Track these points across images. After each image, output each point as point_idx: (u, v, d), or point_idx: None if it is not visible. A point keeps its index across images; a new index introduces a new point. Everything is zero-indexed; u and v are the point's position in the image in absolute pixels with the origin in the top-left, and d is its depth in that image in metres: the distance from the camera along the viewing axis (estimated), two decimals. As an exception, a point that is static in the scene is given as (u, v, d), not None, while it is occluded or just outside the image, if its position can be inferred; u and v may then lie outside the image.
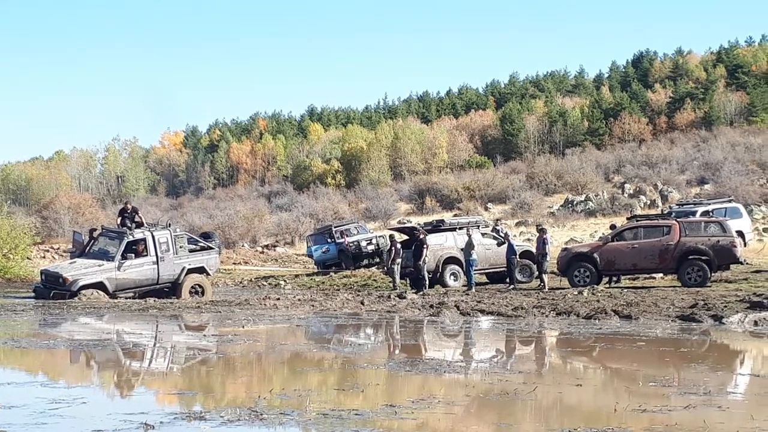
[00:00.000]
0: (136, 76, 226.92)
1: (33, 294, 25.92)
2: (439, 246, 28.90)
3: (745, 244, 30.63)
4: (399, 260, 27.90)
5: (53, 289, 24.90)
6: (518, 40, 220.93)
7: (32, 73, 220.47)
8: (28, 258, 38.82)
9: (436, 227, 30.38)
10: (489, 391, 10.12)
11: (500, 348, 15.44)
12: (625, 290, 24.27)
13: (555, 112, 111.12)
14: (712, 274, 25.07)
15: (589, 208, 63.81)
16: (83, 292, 24.73)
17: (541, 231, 27.83)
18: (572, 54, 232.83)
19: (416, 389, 10.48)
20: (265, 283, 33.95)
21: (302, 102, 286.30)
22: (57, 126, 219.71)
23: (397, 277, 28.02)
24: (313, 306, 21.95)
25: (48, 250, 47.92)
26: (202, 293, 26.03)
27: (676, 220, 26.32)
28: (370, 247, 38.95)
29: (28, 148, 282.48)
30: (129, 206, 27.82)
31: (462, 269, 28.62)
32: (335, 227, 40.57)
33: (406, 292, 25.84)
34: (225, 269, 37.73)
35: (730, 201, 36.49)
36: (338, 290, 28.88)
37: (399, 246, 28.31)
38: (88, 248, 26.42)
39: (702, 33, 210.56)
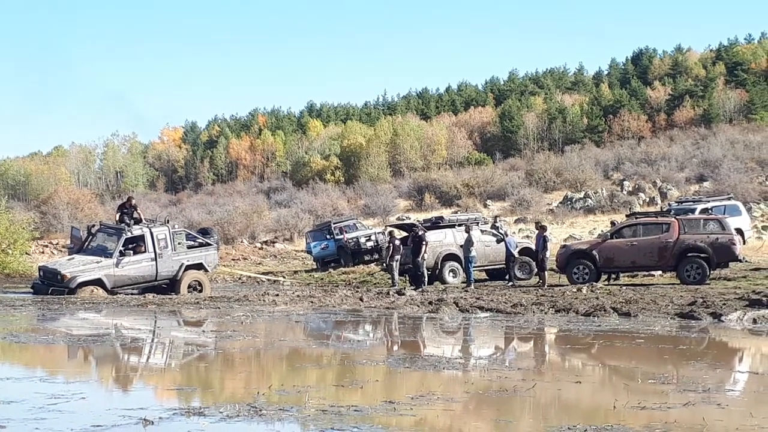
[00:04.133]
0: (134, 72, 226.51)
1: (31, 290, 25.89)
2: (438, 243, 28.90)
3: (744, 242, 30.60)
4: (398, 257, 27.90)
5: (52, 285, 24.88)
6: (518, 37, 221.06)
7: (35, 68, 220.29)
8: (26, 253, 38.82)
9: (436, 224, 30.38)
10: (488, 388, 10.12)
11: (499, 345, 15.44)
12: (624, 287, 24.29)
13: (554, 109, 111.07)
14: (711, 272, 25.08)
15: (588, 206, 63.80)
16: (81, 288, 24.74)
17: (541, 228, 27.81)
18: (572, 51, 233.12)
19: (415, 386, 10.48)
20: (263, 278, 33.93)
21: (301, 98, 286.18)
22: (56, 121, 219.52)
23: (396, 273, 28.01)
24: (312, 302, 21.96)
25: (47, 246, 47.98)
26: (201, 289, 26.04)
27: (675, 218, 26.34)
28: (369, 244, 38.99)
29: (27, 143, 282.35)
30: (133, 201, 27.80)
31: (461, 266, 28.63)
32: (334, 224, 40.59)
33: (405, 288, 25.86)
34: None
35: (729, 198, 36.50)
36: (337, 287, 28.88)
37: (398, 242, 28.31)
38: (86, 244, 26.41)
39: (701, 30, 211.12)
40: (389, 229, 32.33)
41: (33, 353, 13.73)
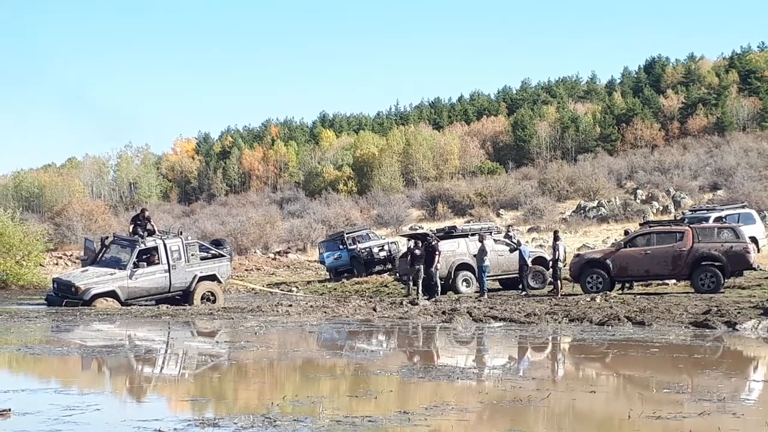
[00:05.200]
0: (148, 81, 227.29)
1: (45, 302, 25.94)
2: (451, 252, 28.89)
3: (758, 250, 30.54)
4: (418, 266, 27.60)
5: (65, 297, 24.91)
6: (530, 46, 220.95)
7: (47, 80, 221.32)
8: (41, 265, 38.93)
9: (449, 233, 30.37)
10: (502, 398, 10.10)
11: (513, 354, 15.41)
12: (638, 296, 24.23)
13: (567, 118, 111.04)
14: (726, 281, 25.02)
15: (601, 214, 63.75)
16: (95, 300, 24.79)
17: (555, 237, 27.85)
18: (584, 60, 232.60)
19: (429, 396, 10.46)
20: (277, 289, 33.96)
21: (314, 108, 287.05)
22: (69, 133, 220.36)
23: (420, 282, 27.62)
24: (325, 312, 21.96)
25: (61, 257, 48.09)
26: (214, 300, 26.07)
27: (689, 226, 26.27)
28: (382, 254, 39.00)
29: (41, 155, 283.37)
30: (146, 213, 27.87)
31: (474, 275, 28.60)
32: (347, 234, 40.59)
33: (418, 298, 25.83)
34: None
35: (743, 207, 36.37)
36: (350, 297, 28.85)
37: (418, 252, 28.05)
38: (100, 256, 26.47)
39: (714, 38, 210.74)
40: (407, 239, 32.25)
41: (48, 365, 13.76)
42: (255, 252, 57.28)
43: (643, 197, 68.86)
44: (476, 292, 28.05)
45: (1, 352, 15.09)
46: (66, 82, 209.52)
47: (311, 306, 23.62)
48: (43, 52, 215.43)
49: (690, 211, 37.63)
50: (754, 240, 29.40)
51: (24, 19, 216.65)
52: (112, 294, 25.03)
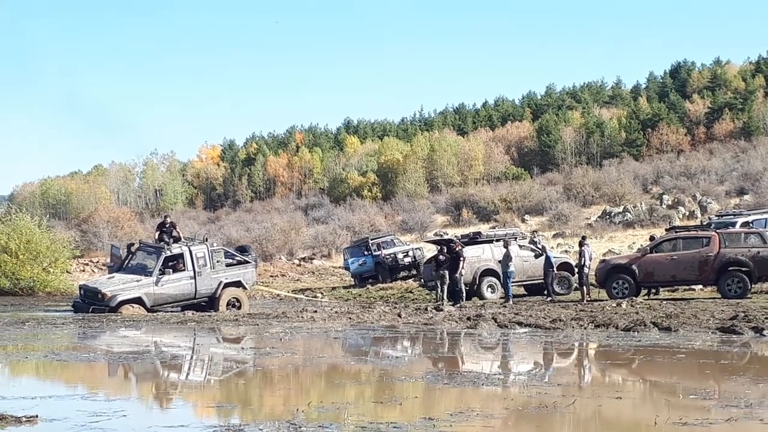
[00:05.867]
0: (172, 88, 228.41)
1: (72, 309, 26.09)
2: (476, 258, 28.85)
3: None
4: (443, 272, 27.50)
5: (92, 304, 25.06)
6: (555, 51, 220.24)
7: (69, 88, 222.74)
8: (67, 271, 39.25)
9: (473, 239, 30.33)
10: (527, 404, 10.08)
11: (538, 360, 15.36)
12: (665, 302, 24.10)
13: (592, 123, 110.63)
14: (753, 286, 24.84)
15: (627, 220, 63.47)
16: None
17: (581, 242, 27.77)
18: (609, 65, 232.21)
19: (454, 402, 10.45)
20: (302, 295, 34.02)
21: (338, 115, 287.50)
22: (95, 140, 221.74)
23: (444, 287, 27.53)
24: (350, 318, 21.97)
25: (87, 264, 48.43)
26: (239, 306, 26.14)
27: (715, 231, 26.10)
28: (407, 260, 39.00)
29: (68, 163, 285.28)
30: (168, 220, 27.98)
31: (499, 281, 28.54)
32: (372, 240, 40.61)
33: (443, 304, 25.79)
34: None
35: (770, 211, 36.06)
36: (375, 303, 28.86)
37: (442, 258, 27.96)
38: (126, 263, 26.60)
39: (740, 43, 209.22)
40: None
41: (74, 371, 13.84)
42: (280, 258, 57.42)
43: (669, 202, 68.50)
44: (501, 297, 27.99)
45: (29, 358, 15.20)
46: (89, 95, 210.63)
47: (336, 312, 23.65)
48: (66, 64, 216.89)
49: (716, 216, 37.40)
50: (781, 245, 29.14)
51: (34, 26, 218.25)
52: (138, 300, 25.15)
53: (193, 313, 24.59)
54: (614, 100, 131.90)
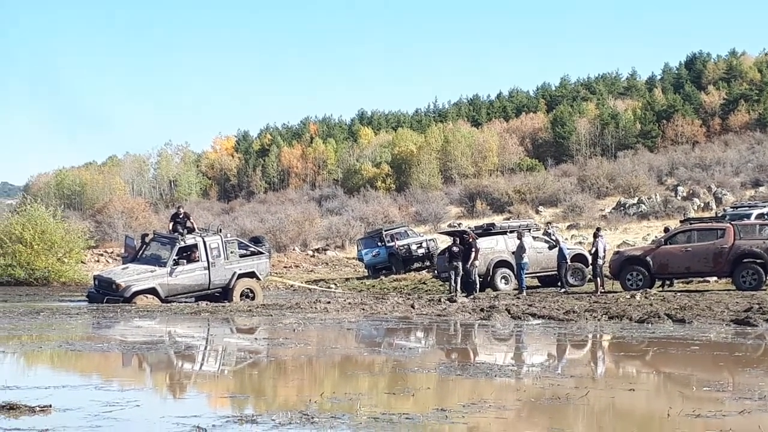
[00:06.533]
0: (189, 80, 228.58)
1: (87, 299, 26.19)
2: (489, 249, 28.82)
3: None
4: (456, 263, 27.47)
5: (106, 294, 25.16)
6: (569, 43, 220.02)
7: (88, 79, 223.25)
8: (82, 262, 39.40)
9: (487, 230, 30.30)
10: (540, 396, 10.05)
11: (552, 352, 15.34)
12: (679, 294, 24.04)
13: (607, 114, 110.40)
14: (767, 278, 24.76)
15: (641, 211, 63.30)
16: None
17: (596, 233, 27.74)
18: (624, 56, 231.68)
19: (467, 393, 10.44)
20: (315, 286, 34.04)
21: (352, 106, 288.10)
22: (111, 130, 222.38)
23: (458, 279, 27.55)
24: (363, 309, 21.98)
25: (102, 254, 48.57)
26: (253, 297, 26.19)
27: (730, 223, 26.02)
28: (421, 251, 38.98)
29: (82, 154, 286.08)
30: (182, 211, 28.02)
31: (513, 273, 28.52)
32: (385, 231, 40.58)
33: (456, 295, 25.78)
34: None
35: (785, 203, 35.93)
36: (389, 294, 28.86)
37: (456, 249, 27.93)
38: (140, 253, 26.67)
39: (756, 34, 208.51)
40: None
41: (88, 361, 13.88)
42: (294, 249, 57.47)
43: (684, 194, 68.28)
44: (515, 289, 27.97)
45: (43, 348, 15.25)
46: (101, 89, 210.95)
47: (349, 303, 23.67)
48: (81, 62, 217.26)
49: (731, 207, 37.28)
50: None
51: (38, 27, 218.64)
52: (152, 291, 25.24)
53: (207, 304, 24.64)
54: (629, 91, 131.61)
